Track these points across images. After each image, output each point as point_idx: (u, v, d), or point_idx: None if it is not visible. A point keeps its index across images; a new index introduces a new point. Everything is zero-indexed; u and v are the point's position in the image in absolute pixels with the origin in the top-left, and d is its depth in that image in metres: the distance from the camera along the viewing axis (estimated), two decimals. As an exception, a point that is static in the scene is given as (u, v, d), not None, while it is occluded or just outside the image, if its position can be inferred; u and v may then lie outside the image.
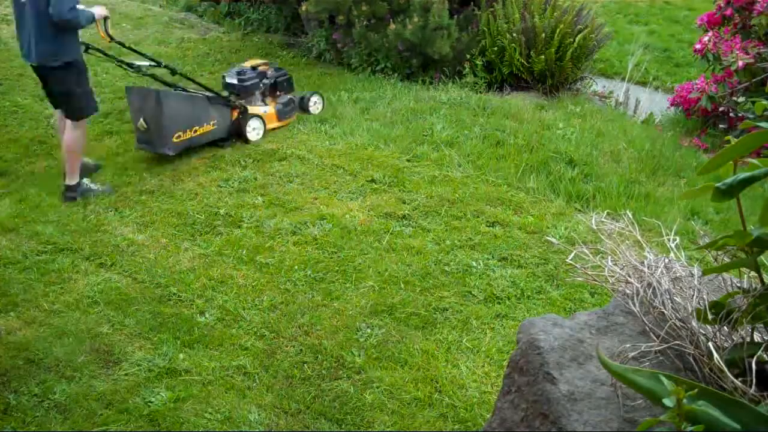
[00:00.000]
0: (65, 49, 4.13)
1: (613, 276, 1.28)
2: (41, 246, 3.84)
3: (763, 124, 0.96)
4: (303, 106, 5.66)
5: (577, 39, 6.35)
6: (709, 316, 1.06)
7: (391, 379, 2.81)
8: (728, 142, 0.97)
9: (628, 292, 1.23)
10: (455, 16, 6.63)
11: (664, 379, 0.86)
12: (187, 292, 3.41)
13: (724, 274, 1.20)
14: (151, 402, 2.72)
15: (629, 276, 1.25)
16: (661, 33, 9.34)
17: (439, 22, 6.32)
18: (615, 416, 1.00)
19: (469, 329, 3.12)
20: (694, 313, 1.10)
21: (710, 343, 1.02)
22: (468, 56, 6.58)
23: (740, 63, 5.07)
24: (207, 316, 3.23)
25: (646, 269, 1.24)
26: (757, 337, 1.06)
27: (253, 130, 5.17)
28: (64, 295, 3.41)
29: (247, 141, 5.12)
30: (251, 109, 5.19)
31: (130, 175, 4.73)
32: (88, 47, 4.38)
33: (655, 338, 1.12)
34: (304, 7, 7.04)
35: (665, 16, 10.16)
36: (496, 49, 6.57)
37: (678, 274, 1.23)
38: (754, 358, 0.96)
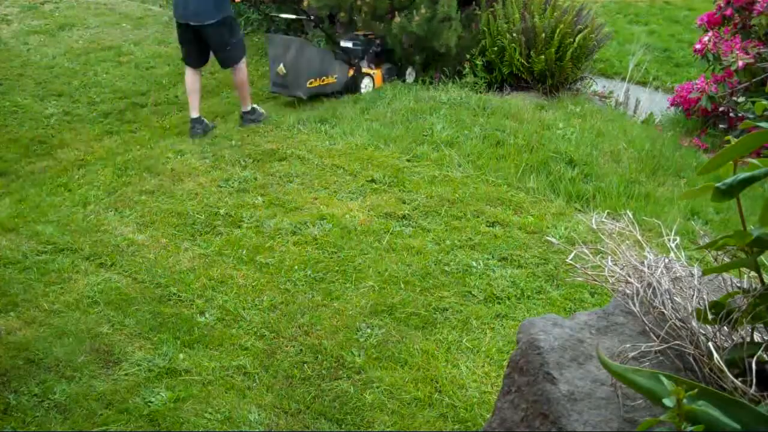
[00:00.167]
0: (222, 6, 4.81)
1: (613, 276, 1.28)
2: (41, 246, 3.85)
3: (763, 124, 0.96)
4: (400, 75, 6.52)
5: (577, 39, 6.35)
6: (709, 316, 1.06)
7: (391, 379, 2.81)
8: (728, 142, 0.97)
9: (628, 292, 1.23)
10: (459, 13, 6.61)
11: (664, 379, 0.86)
12: (187, 292, 3.41)
13: (724, 274, 1.20)
14: (151, 402, 2.72)
15: (629, 276, 1.25)
16: (661, 33, 9.35)
17: (447, 12, 6.33)
18: (615, 416, 1.00)
19: (469, 329, 3.12)
20: (694, 313, 1.10)
21: (710, 343, 1.02)
22: (468, 56, 6.58)
23: (740, 63, 5.07)
24: (207, 316, 3.23)
25: (646, 269, 1.24)
26: (757, 337, 1.06)
27: (365, 87, 6.11)
28: (64, 295, 3.41)
29: (359, 92, 6.01)
30: (364, 69, 6.15)
31: (130, 175, 4.73)
32: None
33: (655, 338, 1.12)
34: (305, 3, 7.04)
35: (665, 16, 10.16)
36: (496, 49, 6.56)
37: (678, 274, 1.23)
38: (754, 358, 0.96)
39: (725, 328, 1.05)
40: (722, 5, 5.70)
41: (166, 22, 8.78)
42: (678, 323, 1.11)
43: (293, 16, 6.01)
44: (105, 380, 2.84)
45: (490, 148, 5.00)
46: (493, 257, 3.66)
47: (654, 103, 6.69)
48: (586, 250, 1.31)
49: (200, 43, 5.10)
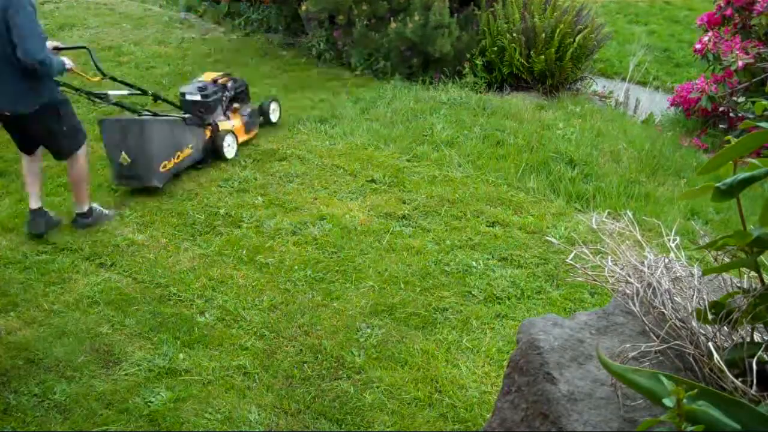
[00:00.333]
0: (39, 91, 3.68)
1: (613, 276, 1.28)
2: (41, 246, 3.85)
3: (763, 124, 0.96)
4: (263, 114, 5.43)
5: (577, 39, 6.35)
6: (709, 316, 1.06)
7: (391, 379, 2.81)
8: (728, 142, 0.97)
9: (628, 292, 1.23)
10: (456, 16, 6.63)
11: (664, 379, 0.86)
12: (187, 292, 3.41)
13: (724, 274, 1.20)
14: (151, 402, 2.72)
15: (629, 276, 1.25)
16: (661, 33, 9.35)
17: (439, 21, 6.32)
18: (615, 416, 1.00)
19: (469, 329, 3.12)
20: (694, 313, 1.10)
21: (710, 343, 1.02)
22: (468, 56, 6.58)
23: (740, 63, 5.07)
24: (207, 316, 3.23)
25: (646, 269, 1.24)
26: (757, 337, 1.06)
27: (228, 146, 4.89)
28: (64, 295, 3.41)
29: (224, 159, 4.87)
30: (222, 126, 4.92)
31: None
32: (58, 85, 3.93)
33: (655, 338, 1.12)
34: (304, 7, 7.04)
35: (665, 16, 10.16)
36: (496, 49, 6.57)
37: (678, 274, 1.23)
38: (754, 358, 0.96)
39: (725, 328, 1.05)
40: (722, 5, 5.71)
41: (166, 22, 8.79)
42: (678, 323, 1.11)
43: (128, 92, 4.42)
44: (105, 380, 2.84)
45: (490, 148, 5.00)
46: (493, 257, 3.66)
47: (654, 103, 6.69)
48: (586, 250, 1.31)
49: (25, 133, 3.91)
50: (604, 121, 5.70)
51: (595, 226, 1.38)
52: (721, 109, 5.65)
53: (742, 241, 0.97)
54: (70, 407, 2.70)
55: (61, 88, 3.92)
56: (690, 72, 7.64)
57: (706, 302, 1.10)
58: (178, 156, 4.55)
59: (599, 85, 7.22)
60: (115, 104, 4.45)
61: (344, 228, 3.96)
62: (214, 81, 5.03)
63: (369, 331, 3.11)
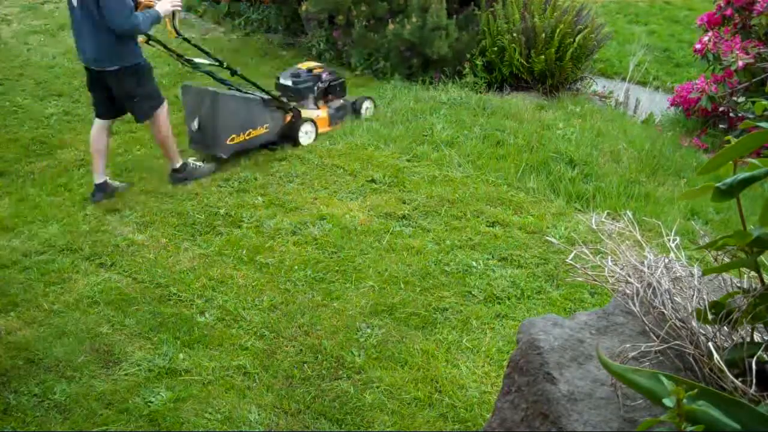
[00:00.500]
0: (123, 53, 4.04)
1: (613, 276, 1.28)
2: (41, 246, 3.85)
3: (763, 124, 0.96)
4: (355, 110, 5.57)
5: (577, 39, 6.35)
6: (709, 316, 1.06)
7: (391, 379, 2.81)
8: (728, 142, 0.97)
9: (628, 292, 1.23)
10: (455, 16, 6.63)
11: (664, 379, 0.86)
12: (187, 292, 3.41)
13: (724, 274, 1.20)
14: (151, 402, 2.72)
15: (629, 276, 1.25)
16: (661, 33, 9.34)
17: (437, 23, 6.32)
18: (615, 416, 1.00)
19: (469, 329, 3.12)
20: (694, 313, 1.10)
21: (710, 343, 1.02)
22: (468, 56, 6.58)
23: (740, 63, 5.07)
24: (207, 316, 3.23)
25: (646, 269, 1.24)
26: (757, 337, 1.06)
27: (305, 134, 5.07)
28: (64, 295, 3.41)
29: (297, 144, 5.03)
30: (304, 113, 5.11)
31: (130, 175, 4.73)
32: (149, 39, 4.26)
33: (655, 338, 1.12)
34: (303, 7, 7.04)
35: (665, 16, 10.15)
36: (496, 49, 6.56)
37: (678, 274, 1.23)
38: (754, 358, 0.96)
39: (725, 328, 1.05)
40: (722, 5, 5.71)
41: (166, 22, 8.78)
42: (678, 323, 1.11)
43: (209, 61, 4.63)
44: (105, 380, 2.84)
45: (490, 148, 5.00)
46: (493, 257, 3.66)
47: (654, 103, 6.68)
48: (586, 250, 1.31)
49: (106, 90, 4.24)
50: (604, 121, 5.70)
51: (595, 226, 1.38)
52: (721, 109, 5.64)
53: (742, 241, 0.97)
54: (70, 407, 2.70)
55: (156, 47, 4.31)
56: (690, 72, 7.64)
57: (706, 302, 1.10)
58: (249, 133, 4.79)
59: (599, 85, 7.22)
60: (206, 73, 4.67)
61: (344, 228, 3.96)
62: (309, 70, 5.30)
63: (369, 331, 3.11)
